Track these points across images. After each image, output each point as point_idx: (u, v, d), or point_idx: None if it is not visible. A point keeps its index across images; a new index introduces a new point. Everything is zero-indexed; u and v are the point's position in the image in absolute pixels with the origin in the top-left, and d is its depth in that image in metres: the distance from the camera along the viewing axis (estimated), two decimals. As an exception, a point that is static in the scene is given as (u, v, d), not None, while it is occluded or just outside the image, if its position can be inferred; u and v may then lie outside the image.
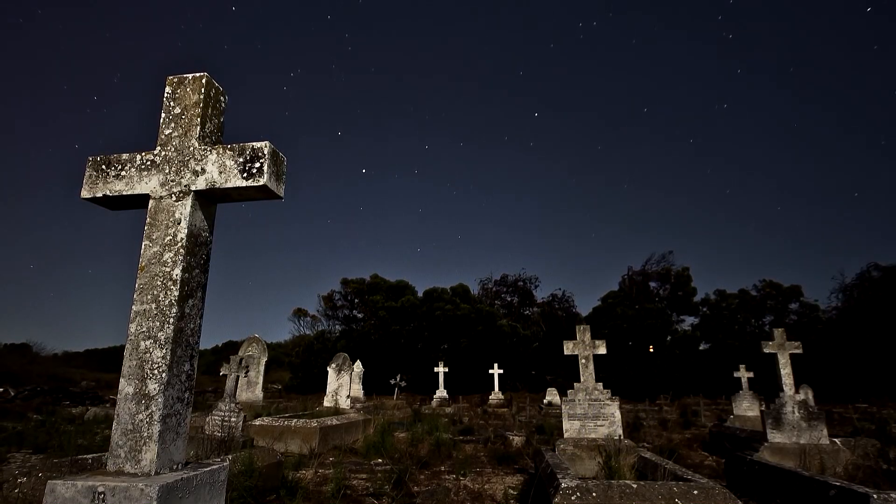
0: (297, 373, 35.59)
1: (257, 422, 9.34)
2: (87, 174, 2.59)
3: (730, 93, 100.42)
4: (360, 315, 39.69)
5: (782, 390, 7.64)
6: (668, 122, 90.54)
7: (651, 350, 33.06)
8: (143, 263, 2.40)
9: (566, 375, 26.82)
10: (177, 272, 2.35)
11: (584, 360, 7.31)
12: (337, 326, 40.00)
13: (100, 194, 2.54)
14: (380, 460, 8.03)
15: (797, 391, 7.77)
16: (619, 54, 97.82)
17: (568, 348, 7.47)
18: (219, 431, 7.72)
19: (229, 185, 2.38)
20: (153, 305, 2.33)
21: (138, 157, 2.55)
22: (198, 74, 2.61)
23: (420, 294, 38.40)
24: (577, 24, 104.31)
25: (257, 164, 2.36)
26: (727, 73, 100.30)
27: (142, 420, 2.20)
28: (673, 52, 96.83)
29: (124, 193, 2.51)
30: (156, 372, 2.25)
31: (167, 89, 2.64)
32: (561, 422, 7.15)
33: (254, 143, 2.41)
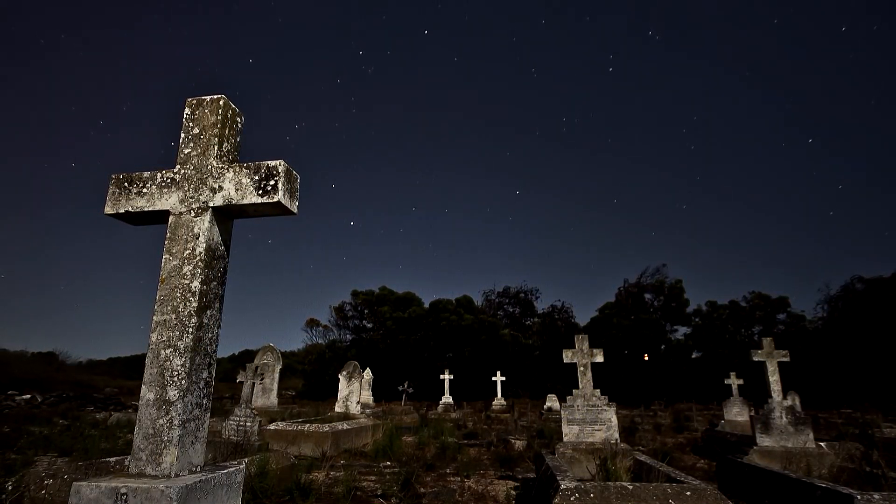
0: (310, 380, 35.53)
1: (272, 426, 9.30)
2: (110, 191, 2.58)
3: (718, 105, 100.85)
4: (369, 325, 39.69)
5: (771, 396, 7.57)
6: (637, 209, 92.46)
7: (646, 358, 32.88)
8: (164, 276, 2.40)
9: (565, 382, 26.61)
10: (195, 284, 2.34)
11: (582, 368, 7.27)
12: (347, 336, 40.01)
13: (122, 210, 2.54)
14: (388, 463, 7.98)
15: (785, 397, 7.69)
16: (594, 152, 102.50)
17: (567, 357, 7.43)
18: (235, 435, 7.70)
19: (245, 201, 2.38)
20: (173, 316, 2.33)
21: (159, 174, 2.55)
22: (216, 96, 2.61)
23: (426, 305, 38.38)
24: (562, 118, 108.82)
25: (272, 182, 2.36)
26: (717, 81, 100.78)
27: (162, 425, 2.19)
28: (642, 152, 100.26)
29: (145, 209, 2.51)
30: (175, 379, 2.24)
31: (186, 111, 2.63)
32: (560, 426, 7.10)
33: (269, 162, 2.40)
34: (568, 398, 7.13)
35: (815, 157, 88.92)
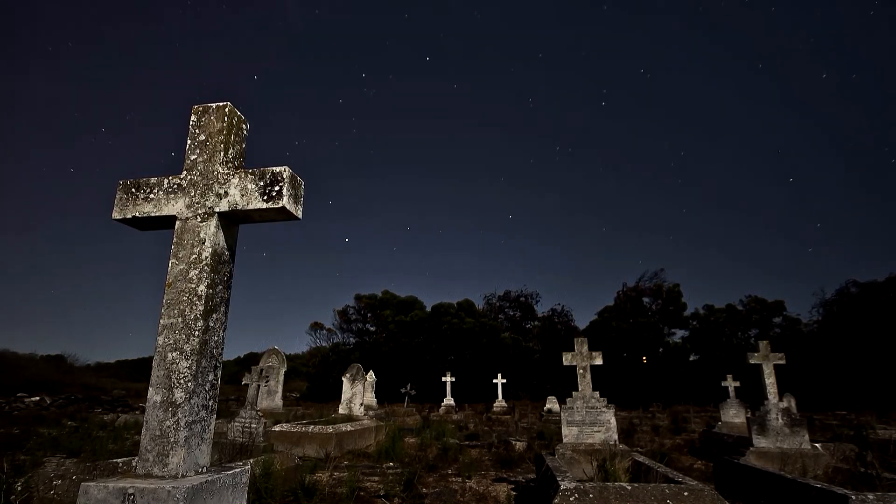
0: (314, 382, 35.49)
1: (276, 428, 9.28)
2: (117, 197, 2.58)
3: (715, 103, 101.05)
4: (372, 328, 39.66)
5: (767, 398, 7.55)
6: (636, 213, 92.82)
7: (644, 361, 32.81)
8: (170, 280, 2.40)
9: (565, 385, 26.61)
10: (202, 288, 2.34)
11: (581, 371, 7.26)
12: (351, 339, 39.99)
13: (129, 216, 2.53)
14: (391, 464, 7.96)
15: (781, 399, 7.68)
16: (585, 180, 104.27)
17: (567, 359, 7.42)
18: (241, 437, 7.69)
19: (250, 207, 2.38)
20: (179, 319, 2.32)
21: (165, 180, 2.55)
22: (221, 104, 2.61)
23: (428, 309, 38.35)
24: (556, 147, 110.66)
25: (277, 188, 2.36)
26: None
27: (169, 426, 2.19)
28: (632, 188, 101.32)
29: (152, 215, 2.51)
30: (182, 381, 2.23)
31: (192, 118, 2.63)
32: (560, 428, 7.08)
33: (273, 168, 2.40)
34: (567, 400, 7.11)
35: (813, 161, 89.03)
